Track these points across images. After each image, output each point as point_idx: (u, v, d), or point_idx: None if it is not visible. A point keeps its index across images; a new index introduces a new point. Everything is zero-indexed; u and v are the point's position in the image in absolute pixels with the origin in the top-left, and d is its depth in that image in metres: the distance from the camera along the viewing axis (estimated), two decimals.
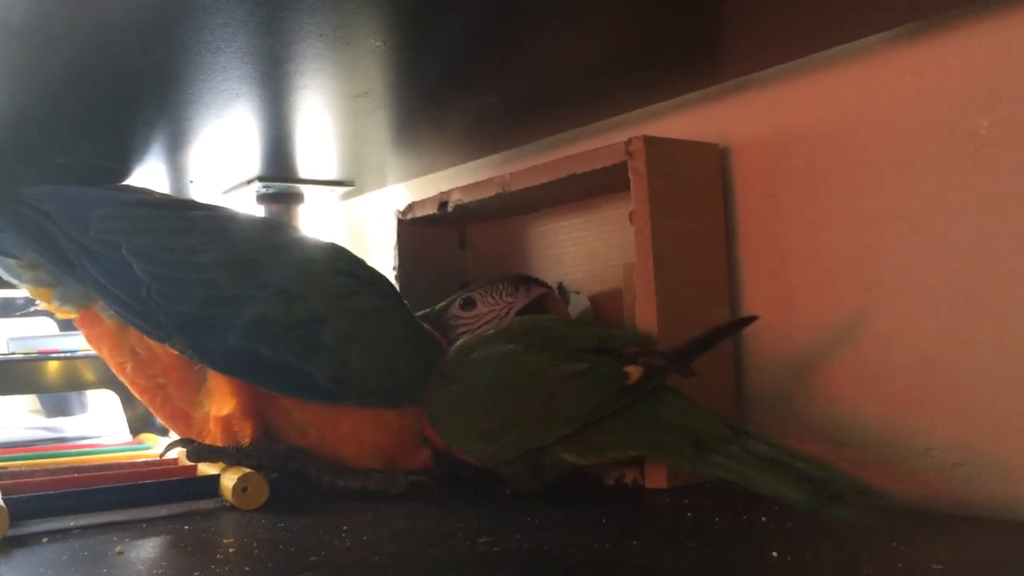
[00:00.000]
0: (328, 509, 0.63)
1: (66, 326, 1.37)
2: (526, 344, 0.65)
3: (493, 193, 0.79)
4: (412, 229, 0.92)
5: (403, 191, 1.06)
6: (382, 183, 1.04)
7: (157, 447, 0.91)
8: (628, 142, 0.65)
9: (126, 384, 0.79)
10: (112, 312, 0.75)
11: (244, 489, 0.64)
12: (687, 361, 0.60)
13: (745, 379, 0.70)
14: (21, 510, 0.59)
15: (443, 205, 0.86)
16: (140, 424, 1.12)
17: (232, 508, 0.64)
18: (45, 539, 0.57)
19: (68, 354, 1.20)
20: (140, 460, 0.79)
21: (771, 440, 0.55)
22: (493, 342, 0.66)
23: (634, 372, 0.60)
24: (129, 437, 1.10)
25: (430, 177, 1.01)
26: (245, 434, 0.71)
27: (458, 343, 0.70)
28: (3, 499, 0.58)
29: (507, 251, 0.92)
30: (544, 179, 0.73)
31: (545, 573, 0.45)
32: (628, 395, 0.59)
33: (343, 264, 0.74)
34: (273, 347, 0.68)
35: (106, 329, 0.77)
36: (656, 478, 0.64)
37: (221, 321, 0.70)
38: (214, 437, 0.73)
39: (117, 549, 0.53)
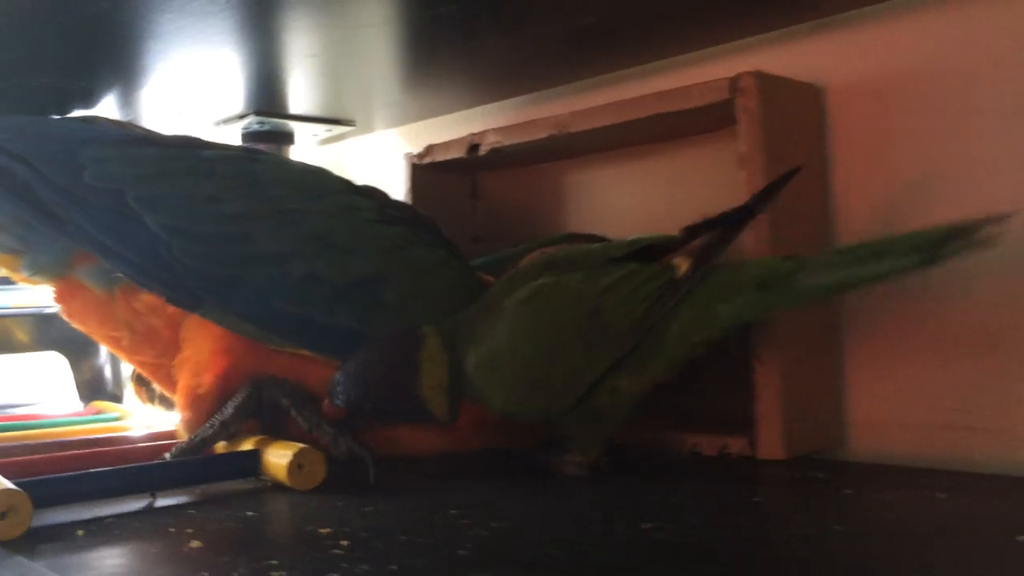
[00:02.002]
0: (399, 489, 0.55)
1: None
2: (553, 275, 0.57)
3: (545, 135, 0.71)
4: (426, 175, 0.83)
5: (404, 134, 0.97)
6: (387, 124, 0.93)
7: (128, 418, 0.80)
8: (736, 78, 0.59)
9: (125, 359, 0.68)
10: (98, 279, 0.64)
11: (300, 467, 0.55)
12: (736, 227, 0.55)
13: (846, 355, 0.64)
14: (41, 495, 0.48)
15: (473, 148, 0.77)
16: (89, 390, 0.99)
17: (281, 488, 0.55)
18: (80, 532, 0.46)
19: None
20: (136, 433, 0.68)
21: (839, 247, 0.54)
22: (512, 285, 0.58)
23: (682, 263, 0.54)
24: (79, 405, 0.97)
25: (446, 118, 0.91)
26: (211, 392, 0.61)
27: (473, 305, 0.60)
28: (14, 483, 0.47)
29: (530, 202, 0.84)
30: (615, 120, 0.66)
31: (752, 565, 0.38)
32: (681, 288, 0.54)
33: (393, 210, 0.65)
34: (329, 310, 0.59)
35: (92, 299, 0.65)
36: (771, 447, 0.58)
37: (264, 283, 0.60)
38: (178, 388, 0.63)
39: (192, 543, 0.43)
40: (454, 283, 0.63)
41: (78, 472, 0.51)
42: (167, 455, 0.58)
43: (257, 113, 0.81)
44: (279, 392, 0.61)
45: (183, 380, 0.62)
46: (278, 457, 0.55)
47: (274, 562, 0.39)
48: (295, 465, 0.55)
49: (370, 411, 0.57)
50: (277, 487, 0.56)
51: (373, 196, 0.66)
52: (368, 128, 0.94)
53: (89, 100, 0.77)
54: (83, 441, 0.65)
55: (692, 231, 0.56)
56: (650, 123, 0.65)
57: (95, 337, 0.68)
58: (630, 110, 0.64)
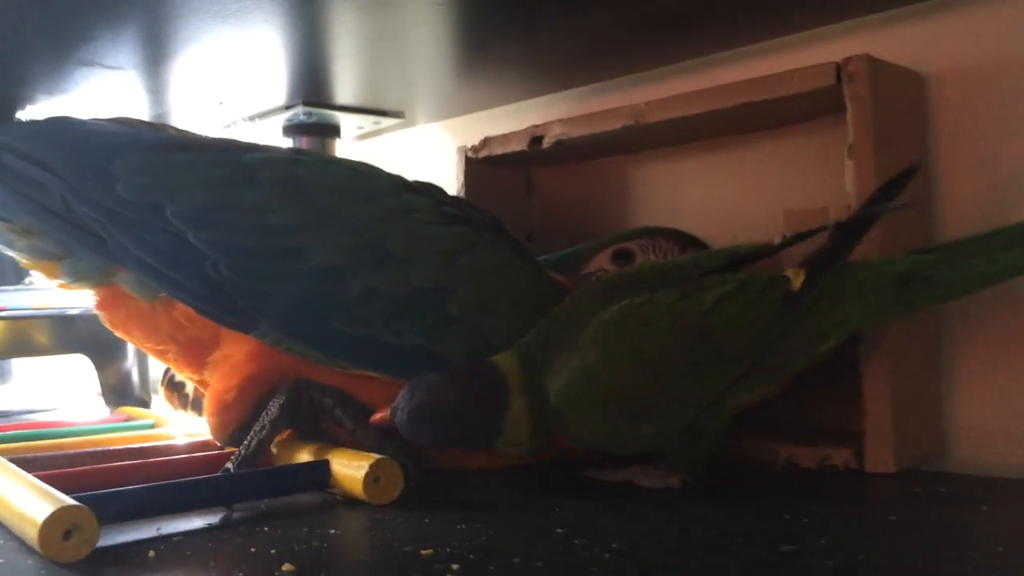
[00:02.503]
0: (481, 504, 0.50)
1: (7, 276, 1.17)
2: (639, 292, 0.52)
3: (619, 126, 0.66)
4: (480, 170, 0.79)
5: (448, 128, 0.92)
6: (436, 116, 0.89)
7: (165, 426, 0.75)
8: (845, 62, 0.55)
9: (176, 371, 0.64)
10: (141, 287, 0.59)
11: (376, 479, 0.51)
12: (855, 235, 0.50)
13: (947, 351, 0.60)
14: (105, 512, 0.43)
15: (536, 141, 0.73)
16: (116, 395, 0.95)
17: (353, 502, 0.51)
18: (151, 552, 0.42)
19: (16, 312, 1.01)
20: (182, 442, 0.64)
21: (973, 237, 0.49)
22: (591, 304, 0.53)
23: (795, 275, 0.50)
24: (104, 410, 0.92)
25: (494, 111, 0.87)
26: (242, 395, 0.57)
27: (547, 325, 0.55)
28: (73, 496, 0.43)
29: (589, 198, 0.80)
30: (700, 109, 0.62)
31: None
32: (799, 303, 0.49)
33: (450, 208, 0.61)
34: (393, 329, 0.55)
35: (136, 308, 0.60)
36: (880, 460, 0.54)
37: (321, 301, 0.55)
38: (208, 388, 0.59)
39: (285, 567, 0.39)
40: (523, 285, 0.59)
41: (144, 486, 0.47)
42: (229, 465, 0.54)
43: (305, 104, 0.76)
44: (321, 393, 0.56)
45: (214, 381, 0.58)
46: (352, 469, 0.51)
47: None
48: (371, 478, 0.50)
49: (431, 443, 0.53)
50: (348, 501, 0.52)
51: (428, 194, 0.62)
52: (416, 121, 0.89)
53: (117, 81, 0.72)
54: (129, 451, 0.60)
55: (794, 239, 0.52)
56: (736, 113, 0.61)
57: (143, 349, 0.63)
58: (718, 98, 0.60)
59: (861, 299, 0.49)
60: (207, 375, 0.59)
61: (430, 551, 0.41)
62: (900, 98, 0.57)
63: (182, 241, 0.55)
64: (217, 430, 0.58)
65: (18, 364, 1.38)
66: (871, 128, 0.53)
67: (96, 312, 0.63)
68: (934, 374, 0.59)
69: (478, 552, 0.40)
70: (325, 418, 0.57)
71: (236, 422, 0.57)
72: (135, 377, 0.96)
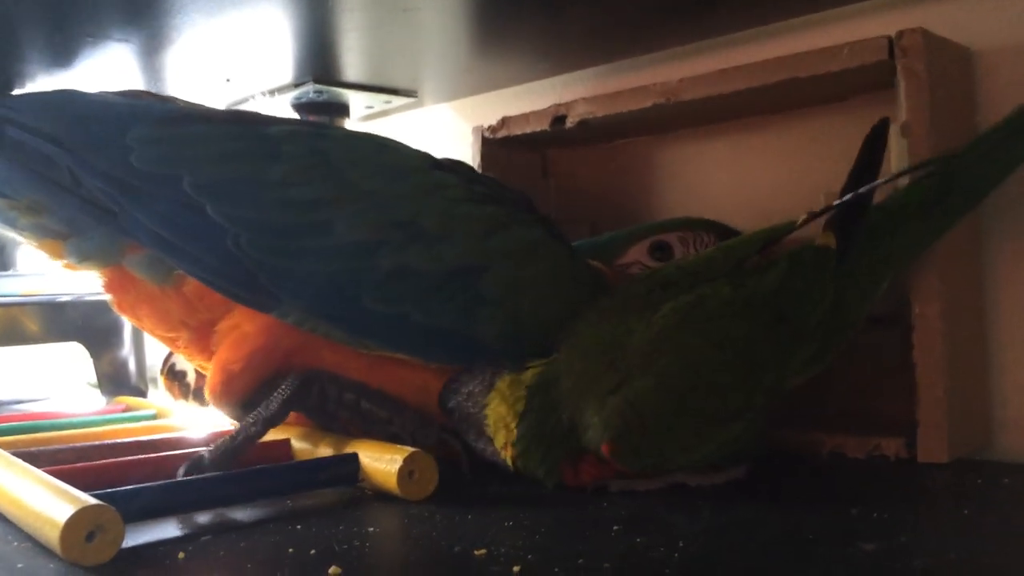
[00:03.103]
0: (520, 499, 0.48)
1: None
2: (680, 291, 0.50)
3: (649, 104, 0.64)
4: (498, 151, 0.76)
5: (457, 108, 0.89)
6: (450, 95, 0.85)
7: (169, 417, 0.72)
8: (899, 36, 0.52)
9: (187, 358, 0.60)
10: (150, 269, 0.56)
11: (411, 474, 0.48)
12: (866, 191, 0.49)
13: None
14: (129, 511, 0.40)
15: (558, 120, 0.70)
16: (112, 384, 0.91)
17: (385, 498, 0.48)
18: (181, 554, 0.39)
19: (5, 299, 0.97)
20: (195, 435, 0.60)
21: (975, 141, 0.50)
22: (632, 319, 0.49)
23: (824, 238, 0.49)
24: (100, 400, 0.88)
25: (503, 92, 0.84)
26: (247, 370, 0.54)
27: (572, 338, 0.51)
28: (93, 495, 0.40)
29: (609, 181, 0.77)
30: (738, 86, 0.59)
31: None
32: (843, 264, 0.49)
33: (480, 186, 0.58)
34: (424, 309, 0.52)
35: (145, 293, 0.57)
36: (933, 450, 0.51)
37: (349, 278, 0.52)
38: (213, 358, 0.55)
39: (332, 570, 0.36)
40: (557, 267, 0.56)
41: (168, 482, 0.44)
42: (205, 453, 0.50)
43: (315, 81, 0.73)
44: (338, 387, 0.54)
45: (221, 350, 0.55)
46: (385, 463, 0.48)
47: None
48: (405, 472, 0.48)
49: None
50: (379, 496, 0.49)
51: (456, 171, 0.59)
52: (428, 100, 0.86)
53: (103, 55, 0.68)
54: (139, 444, 0.57)
55: (819, 213, 0.51)
56: (775, 91, 0.59)
57: (152, 335, 0.60)
58: (761, 74, 0.58)
59: (894, 233, 0.50)
60: (213, 344, 0.56)
61: (483, 552, 0.38)
62: (952, 74, 0.55)
63: (200, 214, 0.52)
64: (218, 400, 0.55)
65: (3, 353, 1.34)
66: (926, 105, 0.51)
67: (91, 299, 0.59)
68: (982, 361, 0.57)
69: (536, 552, 0.38)
70: (335, 409, 0.54)
71: (239, 394, 0.54)
72: (131, 366, 0.92)
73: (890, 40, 0.52)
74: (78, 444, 0.56)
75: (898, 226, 0.50)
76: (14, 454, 0.50)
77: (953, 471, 0.51)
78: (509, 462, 0.49)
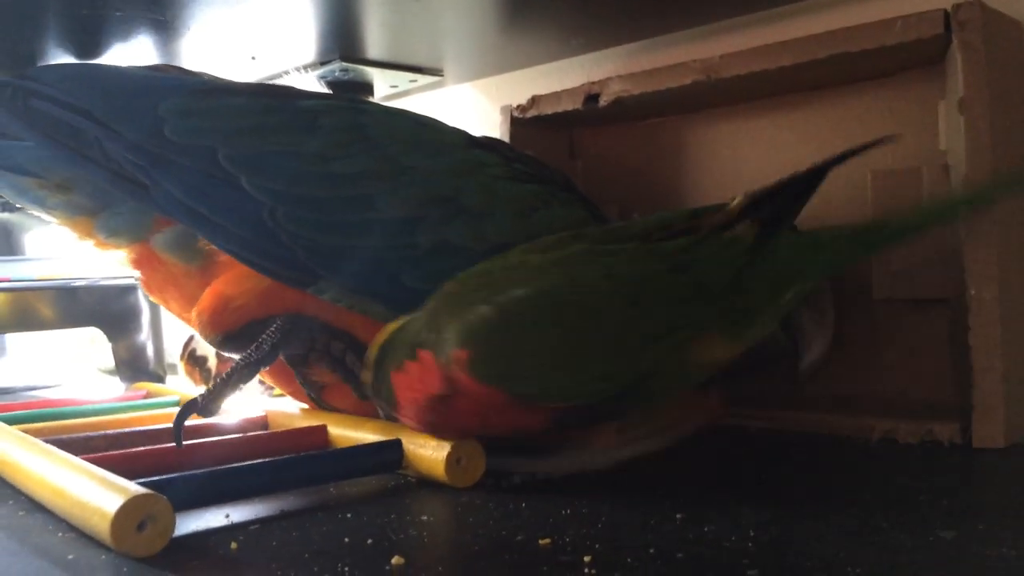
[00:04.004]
0: (569, 485, 0.46)
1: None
2: (591, 244, 0.47)
3: (689, 81, 0.62)
4: (526, 131, 0.74)
5: (481, 88, 0.87)
6: (475, 74, 0.84)
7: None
8: (955, 8, 0.51)
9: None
10: (175, 248, 0.55)
11: (458, 461, 0.47)
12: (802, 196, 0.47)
13: None
14: (178, 499, 0.39)
15: (592, 99, 0.68)
16: (130, 371, 0.90)
17: (430, 485, 0.47)
18: (233, 544, 0.38)
19: (17, 284, 0.95)
20: (227, 422, 0.59)
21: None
22: (542, 248, 0.48)
23: (744, 229, 0.45)
24: (115, 386, 0.87)
25: (540, 68, 0.82)
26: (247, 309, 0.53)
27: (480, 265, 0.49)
28: (140, 483, 0.38)
29: (639, 161, 0.75)
30: (784, 62, 0.58)
31: None
32: (760, 252, 0.45)
33: (521, 165, 0.57)
34: None
35: (171, 274, 0.56)
36: (989, 435, 0.50)
37: (389, 254, 0.51)
38: (207, 291, 0.54)
39: (394, 559, 0.35)
40: None
41: (216, 469, 0.43)
42: (198, 397, 0.50)
43: (342, 59, 0.71)
44: (328, 336, 0.52)
45: (221, 281, 0.53)
46: (431, 449, 0.47)
47: None
48: (454, 459, 0.46)
49: None
50: (424, 483, 0.48)
51: (495, 149, 0.58)
52: (453, 79, 0.84)
53: (130, 31, 0.66)
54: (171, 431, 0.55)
55: (754, 198, 0.47)
56: (821, 67, 0.57)
57: (179, 317, 0.58)
58: (809, 49, 0.56)
59: (816, 249, 0.47)
60: (213, 276, 0.54)
61: (548, 541, 0.37)
62: (1007, 48, 0.53)
63: (234, 187, 0.51)
64: (204, 326, 0.53)
65: (13, 339, 1.33)
66: (985, 81, 0.50)
67: (107, 284, 0.58)
68: None
69: (603, 542, 0.36)
70: (318, 358, 0.53)
71: (227, 327, 0.53)
72: (150, 351, 0.91)
73: (946, 13, 0.51)
74: (110, 431, 0.55)
75: (825, 243, 0.47)
76: (46, 442, 0.49)
77: (1011, 457, 0.49)
78: (370, 393, 0.48)
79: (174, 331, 0.91)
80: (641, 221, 0.50)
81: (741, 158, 0.69)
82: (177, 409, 0.67)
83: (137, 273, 0.58)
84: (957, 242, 0.52)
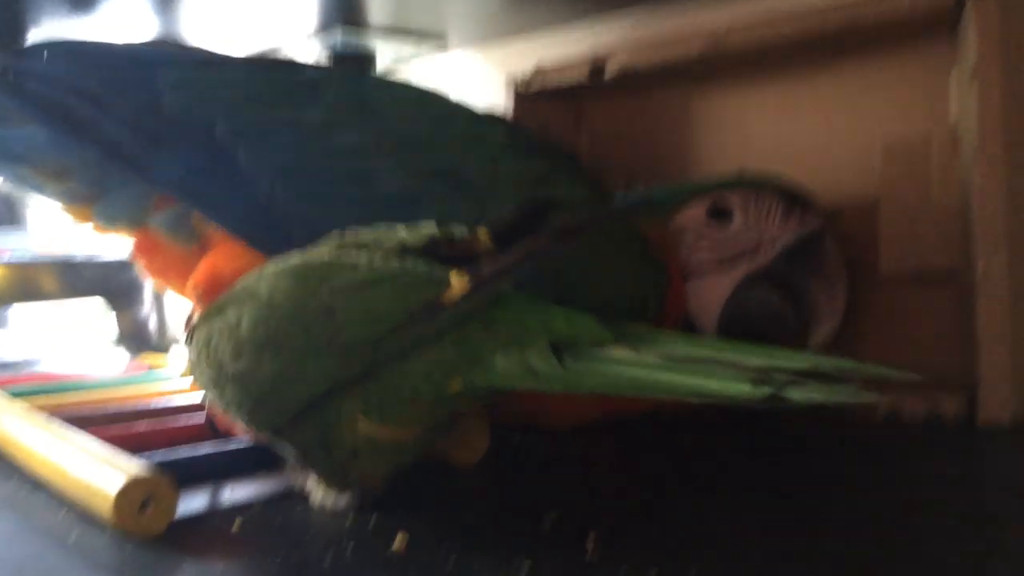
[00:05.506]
0: (549, 458, 0.46)
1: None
2: (327, 257, 0.40)
3: (695, 52, 0.61)
4: (529, 104, 0.74)
5: (484, 55, 0.86)
6: (479, 40, 0.82)
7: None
8: None
9: None
10: (174, 229, 0.53)
11: (461, 438, 0.46)
12: (559, 243, 0.37)
13: None
14: (183, 477, 0.39)
15: (597, 72, 0.67)
16: (133, 343, 0.90)
17: (431, 464, 0.47)
18: (237, 521, 0.38)
19: (19, 257, 0.95)
20: None
21: (690, 338, 0.35)
22: (284, 259, 0.41)
23: (458, 282, 0.36)
24: (118, 358, 0.87)
25: (547, 33, 0.80)
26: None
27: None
28: (138, 459, 0.38)
29: (645, 133, 0.75)
30: (795, 31, 0.57)
31: None
32: (440, 317, 0.36)
33: (524, 140, 0.56)
34: None
35: (172, 256, 0.54)
36: (996, 410, 0.50)
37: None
38: (200, 266, 0.52)
39: (398, 537, 0.34)
40: (609, 234, 0.54)
41: (217, 448, 0.43)
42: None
43: (345, 23, 0.70)
44: None
45: (219, 253, 0.51)
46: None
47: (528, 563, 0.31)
48: (456, 437, 0.46)
49: None
50: (427, 461, 0.47)
51: (498, 123, 0.57)
52: (459, 44, 0.82)
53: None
54: (176, 408, 0.55)
55: (503, 234, 0.39)
56: (831, 36, 0.56)
57: (187, 298, 0.58)
58: (819, 19, 0.55)
59: (508, 350, 0.36)
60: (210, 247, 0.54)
61: (554, 516, 0.36)
62: (1020, 17, 0.52)
63: (233, 161, 0.50)
64: (199, 298, 0.51)
65: (21, 310, 1.32)
66: (998, 50, 0.49)
67: (109, 259, 0.57)
68: None
69: (609, 515, 0.36)
70: None
71: None
72: (152, 324, 0.91)
73: None
74: (113, 408, 0.55)
75: (525, 342, 0.36)
76: (49, 417, 0.49)
77: (1014, 432, 0.49)
78: None
79: (177, 304, 0.90)
80: (377, 235, 0.41)
81: (748, 129, 0.68)
82: (179, 383, 0.67)
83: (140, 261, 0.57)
84: (964, 214, 0.51)
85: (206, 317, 0.41)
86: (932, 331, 0.58)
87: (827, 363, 0.31)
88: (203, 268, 0.51)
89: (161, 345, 0.92)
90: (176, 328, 0.92)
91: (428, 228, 0.40)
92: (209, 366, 0.39)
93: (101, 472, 0.38)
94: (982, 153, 0.49)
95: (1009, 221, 0.49)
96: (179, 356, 0.83)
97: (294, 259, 0.40)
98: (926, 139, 0.57)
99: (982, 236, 0.50)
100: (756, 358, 0.31)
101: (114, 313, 0.89)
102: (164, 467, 0.38)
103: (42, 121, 0.53)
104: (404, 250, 0.39)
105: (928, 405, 0.52)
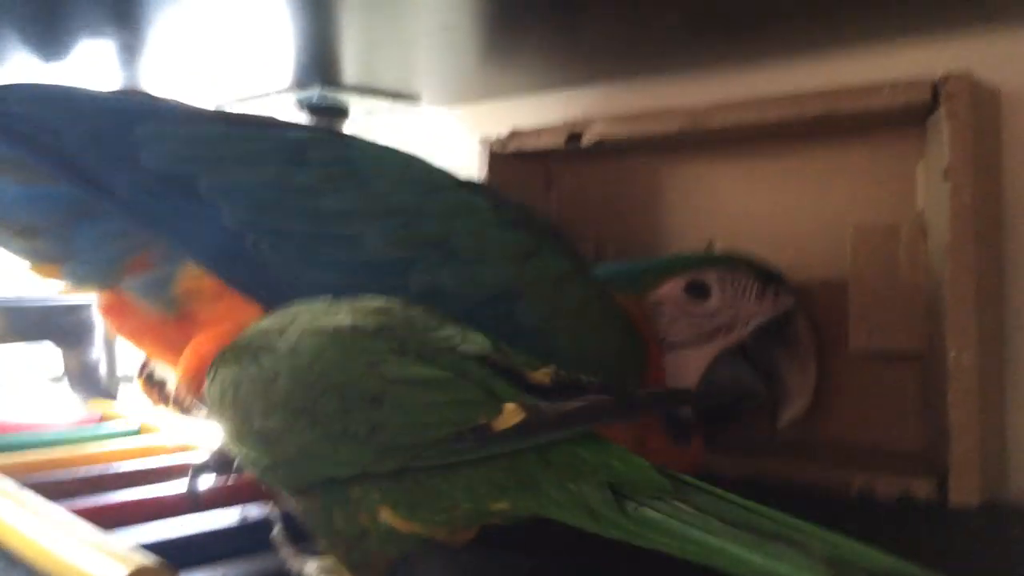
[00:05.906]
0: None
1: None
2: (375, 327, 0.39)
3: (675, 129, 0.63)
4: (503, 163, 0.74)
5: (459, 116, 0.87)
6: (453, 100, 0.82)
7: (161, 431, 0.69)
8: (944, 80, 0.52)
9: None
10: (148, 293, 0.52)
11: None
12: (610, 417, 0.36)
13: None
14: (184, 563, 0.38)
15: (574, 138, 0.69)
16: (81, 385, 0.87)
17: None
18: None
19: None
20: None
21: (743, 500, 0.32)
22: (327, 314, 0.41)
23: (511, 413, 0.34)
24: (75, 403, 0.84)
25: (523, 98, 0.81)
26: None
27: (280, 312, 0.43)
28: (137, 547, 0.37)
29: (614, 198, 0.76)
30: (773, 116, 0.59)
31: None
32: (485, 444, 0.34)
33: (508, 211, 0.56)
34: None
35: (147, 321, 0.52)
36: (966, 492, 0.52)
37: (379, 296, 0.50)
38: (190, 348, 0.51)
39: None
40: (588, 299, 0.55)
41: (216, 528, 0.42)
42: (208, 458, 0.49)
43: (324, 84, 0.70)
44: None
45: (204, 338, 0.50)
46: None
47: None
48: None
49: None
50: None
51: (482, 192, 0.57)
52: (430, 104, 0.83)
53: (92, 50, 0.64)
54: (155, 471, 0.54)
55: (568, 381, 0.37)
56: (807, 122, 0.58)
57: (161, 360, 0.56)
58: (797, 106, 0.57)
59: (558, 481, 0.34)
60: (197, 330, 0.53)
61: None
62: (988, 117, 0.55)
63: (216, 219, 0.49)
64: (191, 388, 0.50)
65: None
66: (970, 151, 0.51)
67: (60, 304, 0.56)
68: (1002, 401, 0.58)
69: None
70: None
71: None
72: (102, 367, 0.88)
73: (935, 84, 0.52)
74: (82, 472, 0.53)
75: (580, 478, 0.34)
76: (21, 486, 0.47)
77: (990, 516, 0.51)
78: None
79: (127, 348, 0.88)
80: (449, 336, 0.40)
81: (720, 202, 0.70)
82: (136, 437, 0.66)
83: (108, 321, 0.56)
84: (933, 298, 0.54)
85: (235, 355, 0.40)
86: (897, 407, 0.60)
87: (905, 568, 0.29)
88: (194, 356, 0.50)
89: (111, 388, 0.90)
90: (126, 370, 0.90)
91: (481, 339, 0.39)
92: (235, 413, 0.39)
93: (96, 561, 0.37)
94: (954, 251, 0.51)
95: (979, 315, 0.52)
96: (130, 401, 0.82)
97: (338, 316, 0.40)
98: (894, 224, 0.60)
99: (953, 329, 0.52)
100: (819, 542, 0.30)
101: (62, 356, 0.87)
102: (157, 548, 0.37)
103: (10, 180, 0.52)
104: (457, 353, 0.37)
105: (901, 486, 0.54)
